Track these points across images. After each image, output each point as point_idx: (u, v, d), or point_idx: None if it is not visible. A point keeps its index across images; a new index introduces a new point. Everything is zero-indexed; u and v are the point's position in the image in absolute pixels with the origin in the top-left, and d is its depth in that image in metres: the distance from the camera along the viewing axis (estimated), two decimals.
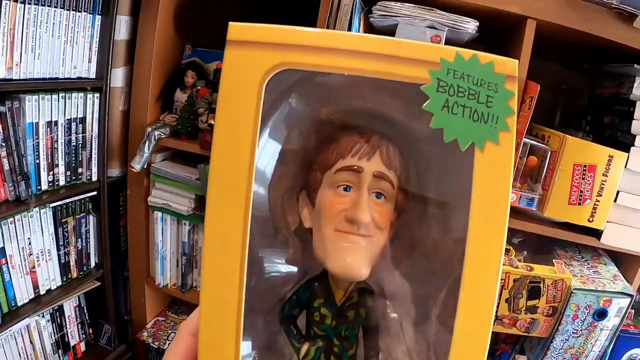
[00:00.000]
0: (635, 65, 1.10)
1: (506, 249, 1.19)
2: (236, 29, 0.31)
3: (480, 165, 0.31)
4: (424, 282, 0.37)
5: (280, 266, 0.37)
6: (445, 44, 1.13)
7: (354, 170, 0.35)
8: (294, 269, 0.37)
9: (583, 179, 1.11)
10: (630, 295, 1.09)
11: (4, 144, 1.20)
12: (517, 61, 0.32)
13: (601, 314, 1.10)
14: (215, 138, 0.31)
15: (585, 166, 1.10)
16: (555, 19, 1.11)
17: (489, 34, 1.21)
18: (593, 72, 1.41)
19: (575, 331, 1.13)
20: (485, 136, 0.31)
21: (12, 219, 1.25)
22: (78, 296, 1.51)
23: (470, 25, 1.14)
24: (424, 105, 0.31)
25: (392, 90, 0.33)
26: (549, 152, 1.15)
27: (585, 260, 1.23)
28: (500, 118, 0.31)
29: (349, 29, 1.17)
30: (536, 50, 1.13)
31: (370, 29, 1.25)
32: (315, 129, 0.36)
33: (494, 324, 1.16)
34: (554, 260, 1.17)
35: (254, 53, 0.31)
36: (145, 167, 1.40)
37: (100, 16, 1.33)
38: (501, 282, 1.13)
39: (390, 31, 1.17)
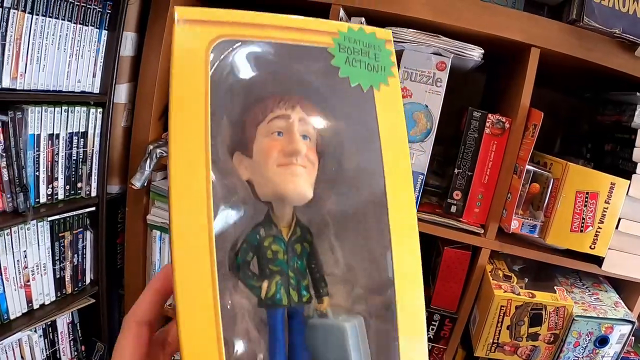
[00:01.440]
0: (637, 94, 1.11)
1: (508, 275, 1.20)
2: (183, 11, 0.38)
3: (379, 101, 0.42)
4: (349, 206, 0.43)
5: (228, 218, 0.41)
6: (451, 70, 1.15)
7: (283, 118, 0.41)
8: (241, 216, 0.41)
9: (585, 206, 1.11)
10: (632, 322, 1.09)
11: (4, 154, 1.19)
12: (389, 31, 0.44)
13: (603, 341, 1.10)
14: (171, 101, 0.37)
15: (587, 193, 1.11)
16: (559, 47, 1.13)
17: (494, 61, 1.23)
18: (594, 100, 1.43)
19: (576, 358, 1.13)
20: (378, 80, 0.42)
21: (8, 230, 1.24)
22: (72, 312, 1.48)
23: (475, 53, 1.15)
24: (332, 61, 0.41)
25: (306, 57, 0.42)
26: (552, 180, 1.15)
27: (587, 287, 1.23)
28: (386, 68, 0.43)
29: None
30: (539, 78, 1.15)
31: None
32: (245, 95, 0.42)
33: (495, 351, 1.16)
34: (555, 287, 1.17)
35: (199, 28, 0.38)
36: (145, 184, 1.39)
37: (106, 31, 1.33)
38: (503, 309, 1.12)
39: (397, 56, 1.18)
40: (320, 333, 0.41)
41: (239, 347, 0.38)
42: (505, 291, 1.13)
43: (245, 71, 0.41)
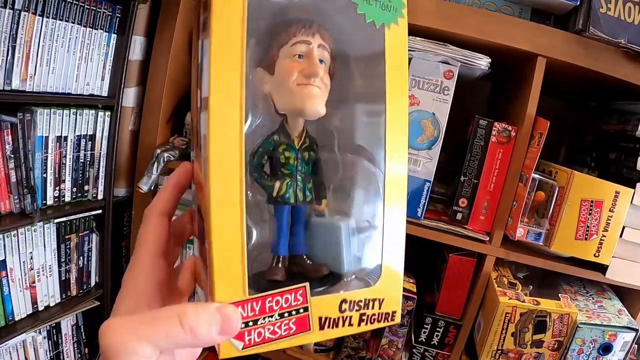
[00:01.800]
0: None
1: (512, 282, 1.21)
2: None
3: (388, 37, 0.46)
4: (352, 124, 0.50)
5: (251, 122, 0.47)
6: (458, 78, 1.16)
7: (305, 43, 0.46)
8: (261, 123, 0.47)
9: (590, 214, 1.12)
10: (636, 330, 1.09)
11: (12, 156, 1.20)
12: None
13: (606, 349, 1.10)
14: (212, 17, 0.39)
15: (592, 202, 1.12)
16: (565, 57, 1.14)
17: (500, 69, 1.24)
18: (599, 109, 1.44)
19: None
20: (390, 19, 0.46)
21: (15, 231, 1.24)
22: (76, 315, 1.48)
23: (483, 62, 1.17)
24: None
25: None
26: (557, 188, 1.16)
27: (590, 295, 1.23)
28: (398, 9, 0.47)
29: None
30: (544, 86, 1.16)
31: None
32: (271, 18, 0.46)
33: (499, 358, 1.16)
34: (559, 295, 1.18)
35: None
36: (152, 188, 1.39)
37: (116, 35, 1.35)
38: (507, 316, 1.13)
39: None
40: (318, 230, 0.49)
41: (253, 234, 0.46)
42: (510, 298, 1.14)
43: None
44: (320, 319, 0.44)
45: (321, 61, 0.46)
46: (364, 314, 0.45)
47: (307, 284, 0.44)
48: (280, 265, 0.46)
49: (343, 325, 0.45)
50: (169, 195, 0.49)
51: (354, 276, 0.48)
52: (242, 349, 0.41)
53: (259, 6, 0.43)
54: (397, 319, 0.47)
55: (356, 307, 0.45)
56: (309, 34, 0.46)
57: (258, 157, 0.46)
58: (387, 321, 0.47)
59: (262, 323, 0.42)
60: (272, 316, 0.42)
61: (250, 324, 0.41)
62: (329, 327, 0.44)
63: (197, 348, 0.49)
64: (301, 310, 0.43)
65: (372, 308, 0.46)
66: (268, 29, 0.46)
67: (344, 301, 0.45)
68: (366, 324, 0.45)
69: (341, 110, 0.49)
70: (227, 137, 0.39)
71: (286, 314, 0.43)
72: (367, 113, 0.49)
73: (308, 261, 0.48)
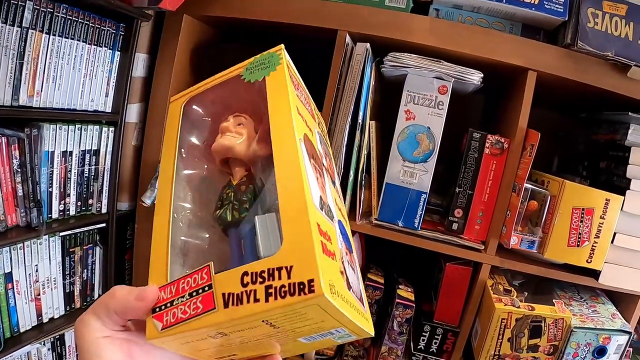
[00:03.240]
0: (630, 113, 1.17)
1: (508, 289, 1.24)
2: (175, 98, 0.68)
3: (269, 83, 0.57)
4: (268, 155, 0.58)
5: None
6: (452, 93, 1.20)
7: (226, 121, 0.63)
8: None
9: (581, 221, 1.16)
10: (629, 333, 1.12)
11: (19, 170, 1.22)
12: (282, 45, 0.62)
13: (601, 352, 1.13)
14: (163, 144, 0.64)
15: (583, 209, 1.16)
16: (555, 70, 1.19)
17: (492, 83, 1.28)
18: (589, 119, 1.48)
19: None
20: (269, 71, 0.58)
21: (21, 244, 1.27)
22: None
23: (475, 77, 1.21)
24: (242, 77, 0.60)
25: (230, 86, 0.64)
26: (549, 197, 1.20)
27: (584, 300, 1.27)
28: (274, 63, 0.59)
29: (361, 79, 1.23)
30: (536, 99, 1.20)
31: (381, 78, 1.32)
32: (208, 125, 0.68)
33: None
34: (554, 301, 1.21)
35: (178, 101, 0.66)
36: (155, 202, 1.42)
37: (119, 52, 1.38)
38: (504, 322, 1.16)
39: (400, 81, 1.24)
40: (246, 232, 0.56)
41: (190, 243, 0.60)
42: (505, 304, 1.17)
43: (204, 111, 0.68)
44: (223, 295, 0.44)
45: (239, 124, 0.63)
46: (270, 287, 0.41)
47: (211, 263, 0.47)
48: None
49: (248, 301, 0.42)
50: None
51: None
52: (162, 329, 0.46)
53: (196, 119, 0.67)
54: (319, 289, 0.39)
55: (259, 279, 0.42)
56: (228, 116, 0.64)
57: (217, 202, 0.61)
58: (304, 293, 0.39)
59: (176, 304, 0.47)
60: (183, 297, 0.47)
61: (168, 305, 0.48)
62: (233, 304, 0.43)
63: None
64: (206, 288, 0.45)
65: (280, 279, 0.41)
66: (212, 133, 0.67)
67: (245, 274, 0.43)
68: (275, 298, 0.40)
69: (262, 147, 0.62)
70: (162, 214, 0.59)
71: (194, 293, 0.46)
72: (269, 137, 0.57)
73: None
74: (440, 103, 1.20)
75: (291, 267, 0.41)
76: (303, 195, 0.45)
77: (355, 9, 1.24)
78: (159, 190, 0.61)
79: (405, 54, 1.21)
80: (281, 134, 0.52)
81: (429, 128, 1.21)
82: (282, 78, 0.57)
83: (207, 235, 0.62)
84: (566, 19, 1.19)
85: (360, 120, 1.23)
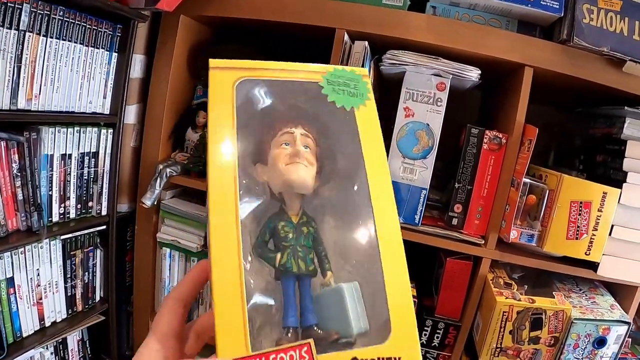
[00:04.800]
0: (626, 107, 1.18)
1: (508, 283, 1.25)
2: (215, 61, 0.52)
3: (359, 117, 0.53)
4: (343, 197, 0.54)
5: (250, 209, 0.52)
6: (450, 90, 1.21)
7: (289, 133, 0.54)
8: (261, 208, 0.53)
9: (579, 214, 1.18)
10: (628, 323, 1.14)
11: (19, 174, 1.22)
12: (366, 69, 0.60)
13: (601, 342, 1.15)
14: (210, 124, 0.50)
15: (581, 203, 1.17)
16: (551, 66, 1.20)
17: (490, 79, 1.29)
18: (585, 114, 1.50)
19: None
20: (358, 102, 0.53)
21: (22, 249, 1.26)
22: (82, 330, 1.50)
23: (473, 74, 1.22)
24: (322, 90, 0.53)
25: (304, 90, 0.55)
26: (547, 191, 1.21)
27: (583, 292, 1.29)
28: (364, 94, 0.54)
29: None
30: (533, 94, 1.22)
31: (379, 76, 1.32)
32: (262, 121, 0.54)
33: (498, 356, 1.21)
34: (554, 293, 1.23)
35: (226, 73, 0.52)
36: (155, 203, 1.43)
37: (117, 54, 1.38)
38: (505, 315, 1.17)
39: (398, 78, 1.24)
40: (324, 298, 0.50)
41: (259, 305, 0.47)
42: (506, 298, 1.19)
43: (262, 101, 0.54)
44: None
45: (305, 147, 0.54)
46: None
47: (311, 341, 0.43)
48: (290, 336, 0.47)
49: None
50: (185, 286, 0.53)
51: (365, 335, 0.47)
52: None
53: (251, 111, 0.53)
54: None
55: None
56: (292, 126, 0.54)
57: (261, 236, 0.50)
58: None
59: None
60: None
61: None
62: None
63: None
64: None
65: None
66: (261, 127, 0.54)
67: (354, 359, 0.43)
68: None
69: (330, 186, 0.54)
70: (224, 227, 0.46)
71: None
72: (354, 187, 0.53)
73: (319, 331, 0.48)
74: (439, 100, 1.21)
75: (399, 358, 0.43)
76: (409, 286, 0.48)
77: (352, 7, 1.25)
78: (210, 215, 0.46)
79: (403, 51, 1.22)
80: (380, 193, 0.50)
81: (428, 125, 1.22)
82: (373, 118, 0.53)
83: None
84: (562, 15, 1.21)
85: None
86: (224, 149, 0.49)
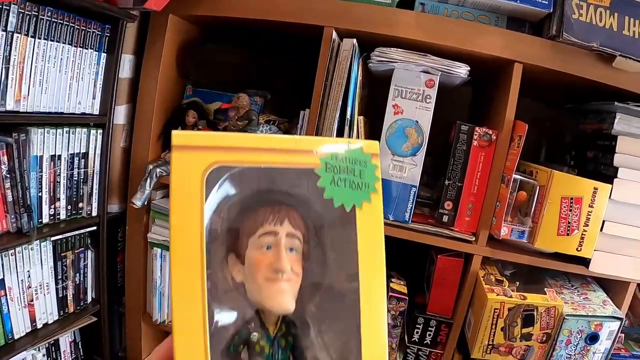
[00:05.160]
0: (616, 103, 1.18)
1: (499, 280, 1.25)
2: (180, 137, 0.41)
3: (360, 218, 0.45)
4: (329, 307, 0.47)
5: (223, 315, 0.45)
6: (439, 87, 1.20)
7: (272, 234, 0.46)
8: (234, 315, 0.46)
9: (570, 210, 1.17)
10: (620, 319, 1.14)
11: (8, 176, 1.21)
12: (377, 142, 0.46)
13: (593, 338, 1.15)
14: (171, 224, 0.41)
15: (572, 199, 1.17)
16: (541, 62, 1.20)
17: (479, 75, 1.29)
18: (576, 110, 1.50)
19: (569, 356, 1.17)
20: (361, 199, 0.45)
21: (12, 250, 1.26)
22: (74, 331, 1.50)
23: (462, 70, 1.21)
24: (318, 182, 0.44)
25: (296, 178, 0.45)
26: (538, 187, 1.21)
27: (575, 288, 1.28)
28: (370, 184, 0.45)
29: (349, 74, 1.23)
30: (522, 90, 1.21)
31: (368, 73, 1.32)
32: (239, 207, 0.45)
33: (490, 353, 1.20)
34: (545, 289, 1.22)
35: (195, 155, 0.41)
36: (145, 203, 1.42)
37: (105, 54, 1.37)
38: (496, 312, 1.17)
39: (387, 75, 1.24)
40: None
41: None
42: (498, 294, 1.18)
43: (239, 189, 0.45)
44: None
45: (291, 249, 0.46)
46: None
47: None
48: None
49: None
50: None
51: None
52: None
53: (225, 198, 0.44)
54: None
55: None
56: (277, 222, 0.46)
57: (234, 346, 0.45)
58: None
59: None
60: None
61: None
62: None
63: None
64: None
65: None
66: (236, 216, 0.46)
67: None
68: None
69: (317, 293, 0.47)
70: (190, 327, 0.40)
71: None
72: (343, 295, 0.47)
73: None
74: (428, 97, 1.21)
75: None
76: None
77: (341, 5, 1.24)
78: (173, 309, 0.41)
79: (392, 48, 1.21)
80: (371, 320, 0.45)
81: (417, 122, 1.22)
82: (377, 218, 0.45)
83: None
84: (551, 10, 1.20)
85: (348, 116, 1.24)
86: (189, 258, 0.41)
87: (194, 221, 0.41)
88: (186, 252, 0.41)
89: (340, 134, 1.25)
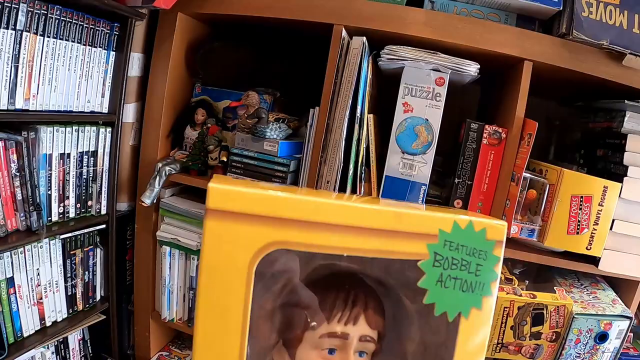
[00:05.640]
0: (625, 101, 1.17)
1: (509, 278, 1.25)
2: (219, 195, 0.25)
3: (463, 331, 0.33)
4: None
5: None
6: (449, 85, 1.20)
7: (341, 337, 0.36)
8: None
9: (580, 209, 1.17)
10: (629, 318, 1.14)
11: (18, 174, 1.21)
12: (506, 224, 0.33)
13: (602, 337, 1.15)
14: (197, 330, 0.30)
15: (582, 197, 1.17)
16: (551, 60, 1.19)
17: (489, 73, 1.29)
18: (585, 108, 1.49)
19: (578, 355, 1.17)
20: (471, 304, 0.34)
21: (22, 248, 1.26)
22: (83, 329, 1.50)
23: (472, 68, 1.21)
24: (420, 282, 0.32)
25: (390, 268, 0.32)
26: (547, 185, 1.21)
27: (585, 287, 1.28)
28: (485, 285, 0.34)
29: (359, 72, 1.23)
30: (532, 88, 1.21)
31: (378, 71, 1.32)
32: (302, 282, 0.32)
33: (499, 351, 1.20)
34: (555, 288, 1.22)
35: (242, 228, 0.26)
36: (155, 201, 1.42)
37: (114, 52, 1.38)
38: (506, 310, 1.17)
39: (397, 73, 1.24)
40: None
41: None
42: (507, 293, 1.18)
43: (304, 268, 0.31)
44: None
45: (361, 353, 0.37)
46: None
47: None
48: None
49: None
50: None
51: None
52: None
53: (279, 278, 0.31)
54: None
55: None
56: (349, 319, 0.36)
57: None
58: None
59: None
60: None
61: None
62: None
63: None
64: None
65: None
66: (294, 292, 0.35)
67: None
68: None
69: None
70: None
71: None
72: None
73: None
74: (438, 95, 1.21)
75: None
76: None
77: (350, 3, 1.24)
78: None
79: (402, 46, 1.21)
80: None
81: (427, 120, 1.21)
82: (484, 331, 0.34)
83: None
84: (561, 8, 1.20)
85: (358, 114, 1.23)
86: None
87: (234, 316, 0.31)
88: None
89: (350, 132, 1.24)
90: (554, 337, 1.18)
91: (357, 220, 0.28)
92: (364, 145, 1.25)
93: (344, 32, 1.24)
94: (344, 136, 1.25)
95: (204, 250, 0.29)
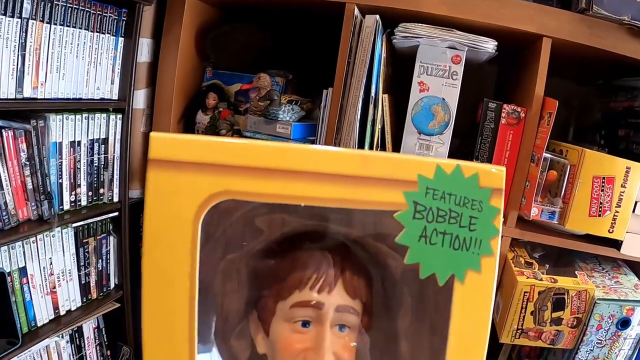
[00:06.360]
0: None
1: (529, 262, 1.22)
2: (161, 143, 0.24)
3: (459, 299, 0.28)
4: None
5: None
6: (465, 63, 1.17)
7: (314, 307, 0.31)
8: None
9: (602, 190, 1.14)
10: None
11: (28, 163, 1.20)
12: (504, 169, 0.28)
13: (624, 323, 1.11)
14: (144, 288, 0.28)
15: (604, 178, 1.13)
16: (570, 36, 1.16)
17: (506, 52, 1.25)
18: (606, 87, 1.45)
19: (599, 341, 1.14)
20: (466, 265, 0.28)
21: (34, 238, 1.25)
22: (97, 317, 1.50)
23: (490, 45, 1.17)
24: (398, 238, 0.27)
25: (359, 222, 0.28)
26: (568, 166, 1.17)
27: (606, 271, 1.25)
28: (483, 242, 0.29)
29: (372, 51, 1.20)
30: (550, 67, 1.18)
31: (392, 50, 1.29)
32: (264, 245, 0.28)
33: (519, 337, 1.17)
34: (576, 272, 1.19)
35: (186, 177, 0.24)
36: None
37: (123, 38, 1.36)
38: (526, 295, 1.14)
39: (412, 52, 1.20)
40: None
41: None
42: (527, 277, 1.15)
43: (260, 232, 0.28)
44: None
45: (341, 327, 0.33)
46: None
47: None
48: None
49: None
50: None
51: None
52: None
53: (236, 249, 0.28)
54: None
55: None
56: (324, 285, 0.31)
57: None
58: None
59: None
60: None
61: None
62: None
63: None
64: None
65: None
66: (262, 258, 0.31)
67: None
68: None
69: None
70: None
71: None
72: None
73: None
74: (455, 73, 1.17)
75: None
76: None
77: None
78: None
79: (417, 24, 1.18)
80: None
81: (444, 99, 1.18)
82: (485, 299, 0.30)
83: None
84: None
85: (373, 94, 1.21)
86: (172, 319, 0.28)
87: (180, 276, 0.28)
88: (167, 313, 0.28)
89: (364, 112, 1.22)
90: (575, 323, 1.15)
91: (316, 165, 0.25)
92: (379, 127, 1.22)
93: (356, 11, 1.21)
94: (359, 117, 1.22)
95: (146, 205, 0.28)
